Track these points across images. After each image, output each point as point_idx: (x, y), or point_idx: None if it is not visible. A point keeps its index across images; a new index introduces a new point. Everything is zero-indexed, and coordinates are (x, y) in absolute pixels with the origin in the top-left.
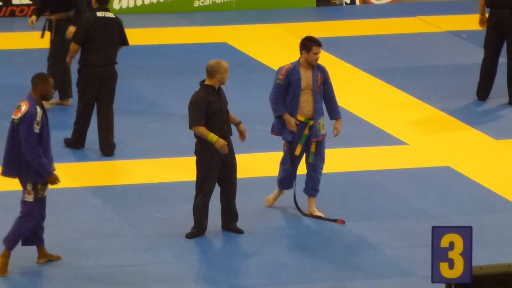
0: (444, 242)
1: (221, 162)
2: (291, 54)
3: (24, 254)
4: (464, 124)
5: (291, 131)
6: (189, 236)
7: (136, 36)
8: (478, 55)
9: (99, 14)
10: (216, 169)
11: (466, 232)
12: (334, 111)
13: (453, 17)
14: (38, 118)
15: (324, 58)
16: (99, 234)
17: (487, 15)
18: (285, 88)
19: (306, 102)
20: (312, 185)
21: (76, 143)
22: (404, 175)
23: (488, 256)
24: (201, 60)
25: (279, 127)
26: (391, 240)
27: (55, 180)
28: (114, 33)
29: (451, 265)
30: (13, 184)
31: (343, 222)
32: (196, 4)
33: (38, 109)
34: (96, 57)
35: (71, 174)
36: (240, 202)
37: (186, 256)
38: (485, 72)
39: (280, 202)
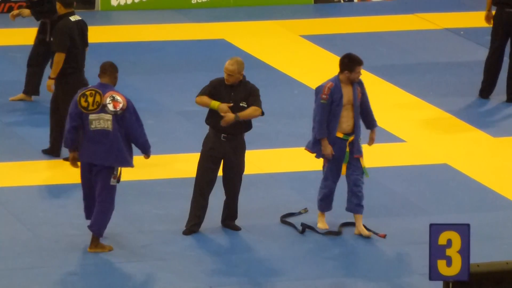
0: (442, 239)
1: (219, 157)
2: (288, 51)
3: (21, 250)
4: (462, 121)
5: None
6: (185, 232)
7: (133, 32)
8: (476, 52)
9: (72, 18)
10: (208, 161)
11: (463, 230)
12: (371, 121)
13: (450, 14)
14: None
15: (322, 55)
16: None
17: (493, 12)
18: (330, 107)
19: (346, 117)
20: (357, 201)
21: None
22: (402, 172)
23: (486, 254)
24: (198, 57)
25: (314, 146)
26: (389, 237)
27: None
28: (85, 36)
29: (449, 263)
30: (10, 180)
31: (384, 236)
32: (193, 0)
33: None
34: (79, 63)
35: (69, 170)
36: (241, 200)
37: (184, 253)
38: (489, 71)
39: (278, 199)
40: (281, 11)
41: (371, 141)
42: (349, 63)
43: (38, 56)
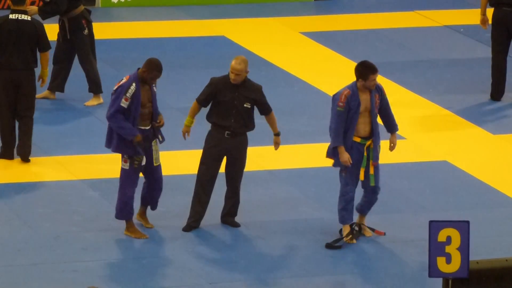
0: (442, 236)
1: (222, 154)
2: (289, 48)
3: (21, 247)
4: (462, 118)
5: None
6: (185, 228)
7: (133, 29)
8: (475, 49)
9: (11, 16)
10: (211, 157)
11: (463, 227)
12: (392, 125)
13: (450, 12)
14: (128, 94)
15: (322, 52)
16: (97, 227)
17: (490, 15)
18: (346, 115)
19: (363, 124)
20: (368, 206)
21: (5, 154)
22: (402, 169)
23: (485, 251)
24: (199, 54)
25: (334, 153)
26: (388, 234)
27: (139, 142)
28: (29, 36)
29: (448, 260)
30: (10, 177)
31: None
32: None
33: (133, 86)
34: (8, 61)
35: (69, 166)
36: (241, 196)
37: (184, 249)
38: (496, 72)
39: (277, 196)
40: (282, 8)
41: (391, 146)
42: (363, 71)
43: (64, 53)
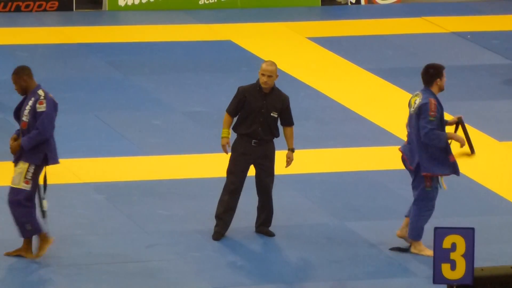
0: (446, 243)
1: (250, 162)
2: (295, 53)
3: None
4: (468, 125)
5: (451, 162)
6: (216, 237)
7: (140, 32)
8: (482, 56)
9: None
10: (240, 166)
11: (468, 234)
12: None
13: (458, 18)
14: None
15: (328, 57)
16: (102, 230)
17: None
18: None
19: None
20: None
21: None
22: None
23: (490, 258)
24: (205, 58)
25: (430, 164)
26: (393, 240)
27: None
28: None
29: (453, 266)
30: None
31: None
32: (201, 1)
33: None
34: None
35: (74, 170)
36: (244, 200)
37: (188, 253)
38: None
39: (283, 201)
40: (288, 12)
41: None
42: (437, 70)
43: None
